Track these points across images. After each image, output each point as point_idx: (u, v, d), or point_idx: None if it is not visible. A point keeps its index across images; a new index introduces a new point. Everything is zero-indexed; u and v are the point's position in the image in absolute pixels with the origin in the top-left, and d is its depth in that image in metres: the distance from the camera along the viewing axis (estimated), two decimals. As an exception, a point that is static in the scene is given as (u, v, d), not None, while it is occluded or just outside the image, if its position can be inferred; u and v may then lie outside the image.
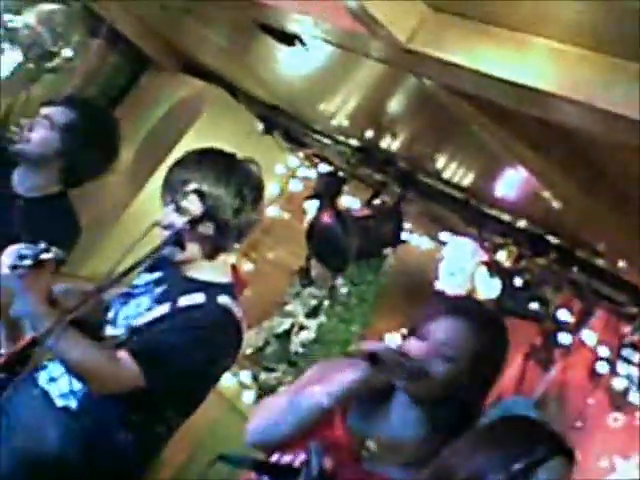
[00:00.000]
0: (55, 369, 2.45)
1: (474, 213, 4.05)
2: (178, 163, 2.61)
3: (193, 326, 2.45)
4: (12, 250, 2.27)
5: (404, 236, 4.44)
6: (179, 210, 2.49)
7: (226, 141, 4.42)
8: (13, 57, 5.00)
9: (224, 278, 2.59)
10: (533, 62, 1.92)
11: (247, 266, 5.04)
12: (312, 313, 4.70)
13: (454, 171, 3.90)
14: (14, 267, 2.20)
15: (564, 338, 3.98)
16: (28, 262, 2.20)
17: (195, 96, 5.00)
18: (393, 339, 2.89)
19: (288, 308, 4.79)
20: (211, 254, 2.55)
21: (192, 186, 2.50)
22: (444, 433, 2.00)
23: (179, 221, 2.47)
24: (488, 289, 3.91)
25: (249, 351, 4.68)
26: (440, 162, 3.90)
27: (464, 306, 2.19)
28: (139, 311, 2.53)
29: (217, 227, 2.50)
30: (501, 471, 1.75)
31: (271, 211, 5.04)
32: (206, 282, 2.54)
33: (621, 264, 3.53)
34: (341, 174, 4.64)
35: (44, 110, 3.22)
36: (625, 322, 3.88)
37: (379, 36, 2.14)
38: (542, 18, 1.85)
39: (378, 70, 2.99)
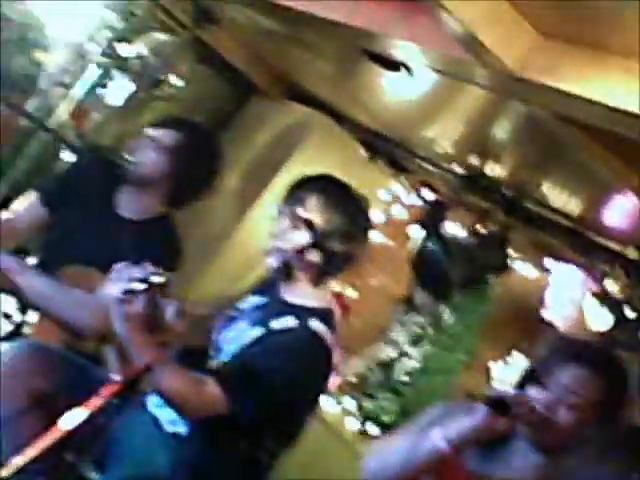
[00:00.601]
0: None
1: (581, 241, 3.97)
2: (291, 188, 2.62)
3: (280, 349, 2.44)
4: (123, 271, 2.29)
5: (509, 264, 4.38)
6: (288, 237, 2.50)
7: (330, 167, 4.43)
8: (124, 86, 5.13)
9: (319, 303, 2.57)
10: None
11: (350, 293, 5.03)
12: (416, 341, 4.66)
13: (561, 198, 3.83)
14: (127, 291, 2.22)
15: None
16: (140, 285, 2.22)
17: (300, 123, 5.04)
18: (501, 371, 2.84)
19: (392, 336, 4.76)
20: (316, 281, 2.55)
21: (303, 213, 2.50)
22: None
23: (288, 248, 2.48)
24: (599, 320, 3.81)
25: (353, 378, 4.66)
26: (546, 189, 3.83)
27: (588, 353, 2.17)
28: (238, 335, 2.55)
29: (324, 255, 2.50)
30: None
31: (374, 237, 5.03)
32: (300, 306, 2.54)
33: None
34: (445, 201, 4.61)
35: (151, 132, 3.25)
36: None
37: (488, 64, 2.12)
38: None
39: (483, 96, 2.97)
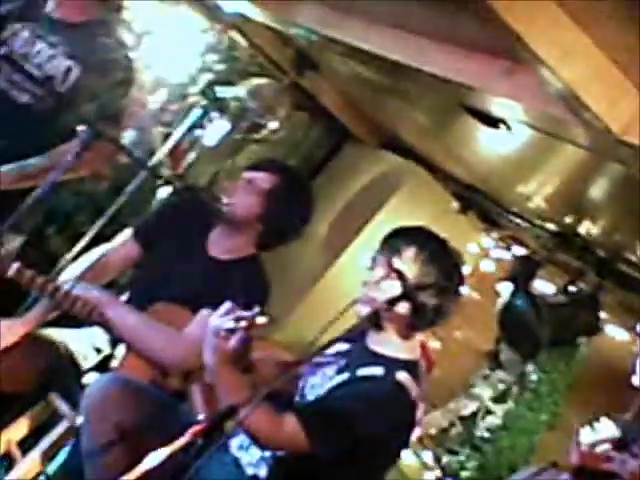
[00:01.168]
0: (246, 437, 2.50)
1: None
2: (388, 238, 2.62)
3: (365, 396, 2.43)
4: (222, 311, 2.31)
5: (600, 326, 4.29)
6: (380, 287, 2.50)
7: (422, 218, 4.46)
8: (221, 126, 5.23)
9: (408, 355, 2.57)
10: None
11: (434, 344, 4.99)
12: (500, 398, 4.60)
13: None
14: (229, 330, 2.25)
15: None
16: (241, 324, 2.23)
17: (393, 172, 5.06)
18: (587, 435, 2.78)
19: (475, 391, 4.71)
20: (405, 333, 2.55)
21: (398, 264, 2.50)
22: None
23: (379, 298, 2.48)
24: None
25: (433, 431, 4.61)
26: (640, 251, 3.77)
27: None
28: (323, 381, 2.55)
29: (414, 309, 2.49)
30: None
31: (462, 290, 4.98)
32: (388, 357, 2.54)
33: None
34: (536, 258, 4.55)
35: (247, 174, 3.29)
36: None
37: (588, 123, 2.10)
38: None
39: (580, 155, 2.93)
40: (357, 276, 3.27)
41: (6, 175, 3.12)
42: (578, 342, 4.39)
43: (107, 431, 2.49)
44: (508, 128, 2.89)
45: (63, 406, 2.99)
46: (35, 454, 2.92)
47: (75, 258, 3.09)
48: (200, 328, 2.62)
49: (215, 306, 2.37)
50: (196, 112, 4.94)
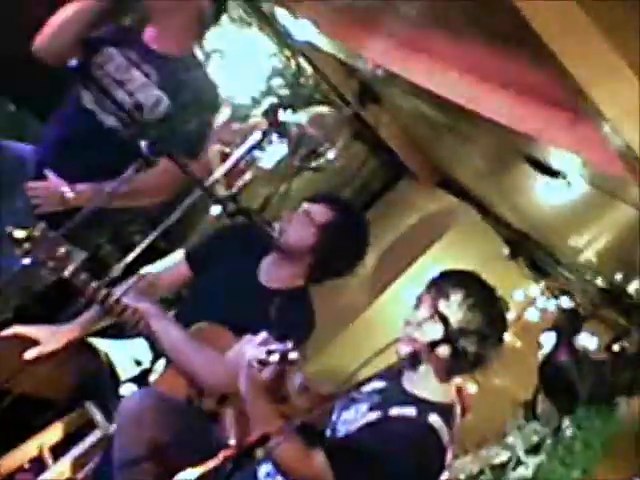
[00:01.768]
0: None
1: None
2: (435, 280, 2.62)
3: (395, 437, 2.44)
4: (258, 342, 2.33)
5: (641, 387, 4.23)
6: (423, 328, 2.50)
7: (470, 260, 4.44)
8: (279, 150, 5.27)
9: (443, 398, 2.57)
10: None
11: (471, 388, 4.95)
12: (532, 450, 4.53)
13: None
14: (262, 362, 2.26)
15: None
16: (275, 357, 2.24)
17: (446, 211, 5.05)
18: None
19: (508, 440, 4.64)
20: (443, 376, 2.54)
21: (443, 307, 2.50)
22: None
23: (421, 339, 2.48)
24: None
25: (462, 477, 4.56)
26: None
27: None
28: (356, 416, 2.55)
29: (455, 353, 2.49)
30: None
31: (504, 339, 4.94)
32: (422, 398, 2.53)
33: None
34: (583, 312, 4.50)
35: (305, 206, 3.31)
36: None
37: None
38: None
39: (635, 214, 2.91)
40: (400, 313, 3.27)
41: (82, 193, 3.17)
42: (617, 401, 4.33)
43: (139, 445, 2.51)
44: (567, 182, 2.87)
45: (98, 415, 3.02)
46: (66, 460, 2.95)
47: (125, 268, 3.14)
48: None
49: (259, 333, 2.39)
50: (257, 134, 4.99)
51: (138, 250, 3.40)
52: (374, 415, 2.50)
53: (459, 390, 2.68)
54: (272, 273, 3.29)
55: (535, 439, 4.55)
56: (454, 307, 2.50)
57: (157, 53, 3.37)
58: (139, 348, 3.11)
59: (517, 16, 1.83)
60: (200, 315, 3.07)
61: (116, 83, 3.29)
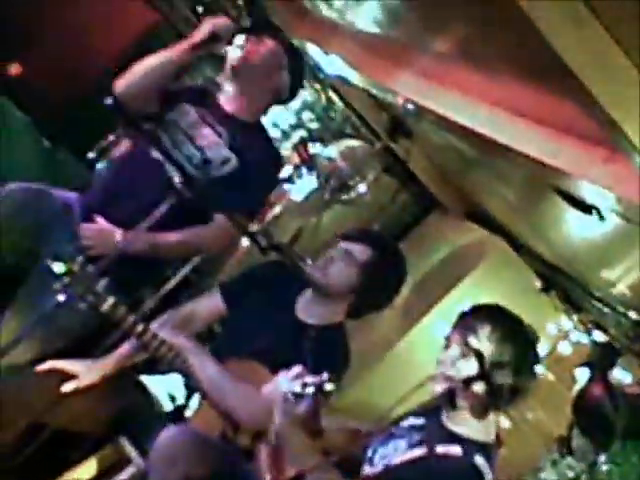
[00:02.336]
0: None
1: None
2: (464, 315, 2.62)
3: (442, 475, 2.43)
4: (293, 375, 2.33)
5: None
6: (457, 366, 2.49)
7: (502, 294, 4.43)
8: (309, 183, 5.29)
9: (484, 437, 2.55)
10: None
11: (504, 423, 4.91)
12: (567, 485, 4.48)
13: None
14: (297, 395, 2.26)
15: None
16: (310, 390, 2.24)
17: (477, 244, 5.04)
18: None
19: (542, 475, 4.60)
20: (480, 413, 2.53)
21: (474, 343, 2.49)
22: None
23: (455, 377, 2.47)
24: None
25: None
26: None
27: None
28: (395, 453, 2.54)
29: (491, 388, 2.47)
30: None
31: (537, 369, 4.90)
32: (466, 437, 2.52)
33: None
34: (617, 346, 4.46)
35: (344, 245, 3.33)
36: None
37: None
38: None
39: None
40: (431, 347, 3.26)
41: (135, 241, 3.18)
42: (653, 436, 4.27)
43: (173, 482, 2.51)
44: (600, 216, 2.86)
45: (132, 451, 3.02)
46: (99, 496, 2.95)
47: (160, 302, 3.16)
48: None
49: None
50: (287, 167, 5.02)
51: (172, 284, 3.44)
52: (418, 452, 2.48)
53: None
54: (311, 310, 3.31)
55: (570, 475, 4.50)
56: (484, 341, 2.49)
57: (230, 116, 3.46)
58: (173, 383, 3.12)
59: (550, 50, 1.83)
60: (235, 350, 3.08)
61: (187, 137, 3.37)
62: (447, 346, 2.57)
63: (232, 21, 3.50)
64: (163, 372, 3.13)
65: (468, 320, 2.57)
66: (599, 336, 4.67)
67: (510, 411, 4.89)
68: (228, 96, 3.49)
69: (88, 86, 4.48)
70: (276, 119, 5.26)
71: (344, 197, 5.05)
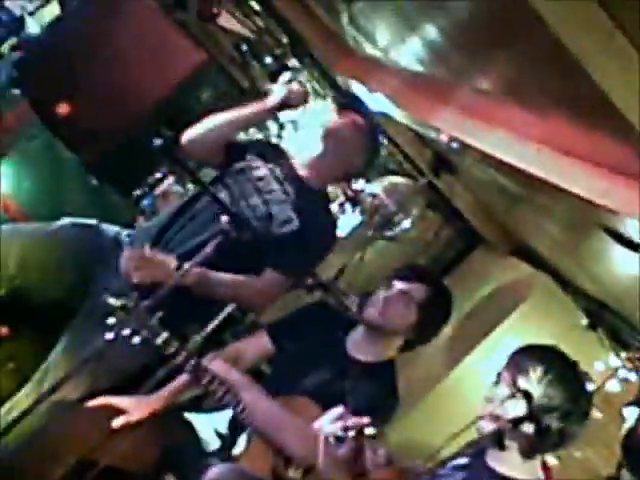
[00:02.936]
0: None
1: None
2: (515, 355, 2.61)
3: None
4: (334, 417, 2.33)
5: None
6: (505, 406, 2.48)
7: (547, 331, 4.38)
8: (352, 219, 5.30)
9: (528, 476, 2.54)
10: None
11: (551, 461, 4.83)
12: (618, 526, 4.39)
13: None
14: (339, 438, 2.25)
15: None
16: (351, 433, 2.23)
17: (522, 281, 4.99)
18: None
19: (590, 515, 4.52)
20: (527, 454, 2.51)
21: (524, 384, 2.48)
22: None
23: (503, 417, 2.45)
24: None
25: None
26: None
27: None
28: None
29: (539, 430, 2.46)
30: None
31: (589, 415, 4.83)
32: (509, 477, 2.50)
33: None
34: (665, 381, 4.40)
35: (400, 285, 3.37)
36: None
37: None
38: None
39: None
40: (475, 384, 3.24)
41: (189, 272, 3.21)
42: None
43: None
44: (647, 255, 2.84)
45: (178, 490, 3.03)
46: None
47: (205, 338, 3.18)
48: None
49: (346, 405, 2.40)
50: (331, 203, 5.03)
51: (217, 321, 3.45)
52: None
53: (544, 465, 2.65)
54: (364, 347, 3.37)
55: (619, 514, 4.42)
56: (534, 383, 2.47)
57: (301, 179, 3.55)
58: (221, 420, 3.12)
59: (597, 89, 1.84)
60: (285, 389, 3.10)
61: (255, 189, 3.43)
62: (497, 383, 2.56)
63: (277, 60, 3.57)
64: (209, 410, 3.14)
65: (520, 360, 2.56)
66: (648, 375, 4.60)
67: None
68: (304, 160, 3.58)
69: (135, 125, 4.54)
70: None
71: (388, 233, 5.06)
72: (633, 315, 4.54)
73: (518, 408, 2.44)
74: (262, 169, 3.48)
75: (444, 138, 3.52)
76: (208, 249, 2.87)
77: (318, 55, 4.88)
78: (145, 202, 4.90)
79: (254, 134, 4.98)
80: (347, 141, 3.52)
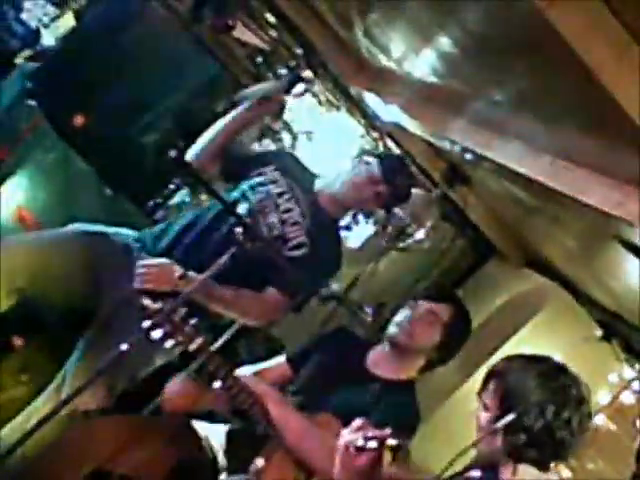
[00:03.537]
0: None
1: None
2: (493, 371, 2.62)
3: None
4: (355, 427, 2.32)
5: None
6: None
7: (561, 342, 4.37)
8: (366, 230, 5.31)
9: None
10: None
11: (565, 473, 4.82)
12: (630, 538, 4.37)
13: None
14: (360, 448, 2.24)
15: None
16: (372, 444, 2.22)
17: (536, 292, 4.99)
18: None
19: (604, 528, 4.50)
20: (541, 467, 2.51)
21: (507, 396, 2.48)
22: None
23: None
24: None
25: None
26: None
27: None
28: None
29: (530, 438, 2.46)
30: None
31: (598, 420, 4.82)
32: None
33: None
34: (680, 395, 4.38)
35: (428, 305, 3.37)
36: None
37: None
38: None
39: None
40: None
41: (194, 282, 3.21)
42: None
43: None
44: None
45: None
46: None
47: (218, 349, 3.17)
48: None
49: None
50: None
51: (227, 335, 3.45)
52: None
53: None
54: (385, 365, 3.35)
55: (633, 528, 4.40)
56: (520, 394, 2.48)
57: (319, 204, 3.56)
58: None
59: (612, 101, 1.84)
60: (309, 405, 3.10)
61: (274, 206, 3.42)
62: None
63: (291, 71, 3.58)
64: (223, 421, 3.13)
65: (502, 371, 2.57)
66: (662, 386, 4.58)
67: (571, 462, 4.82)
68: (325, 186, 3.61)
69: (150, 136, 4.57)
70: (333, 167, 5.29)
71: (401, 244, 5.06)
72: (647, 326, 4.53)
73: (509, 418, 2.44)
74: (280, 182, 3.48)
75: (457, 149, 3.52)
76: (222, 260, 2.86)
77: (332, 67, 4.89)
78: (159, 212, 4.92)
79: (268, 145, 5.00)
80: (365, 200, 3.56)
